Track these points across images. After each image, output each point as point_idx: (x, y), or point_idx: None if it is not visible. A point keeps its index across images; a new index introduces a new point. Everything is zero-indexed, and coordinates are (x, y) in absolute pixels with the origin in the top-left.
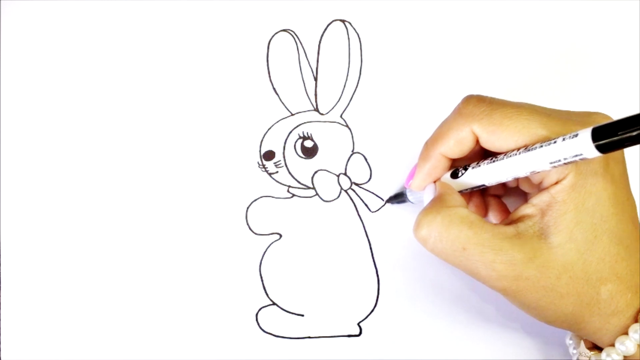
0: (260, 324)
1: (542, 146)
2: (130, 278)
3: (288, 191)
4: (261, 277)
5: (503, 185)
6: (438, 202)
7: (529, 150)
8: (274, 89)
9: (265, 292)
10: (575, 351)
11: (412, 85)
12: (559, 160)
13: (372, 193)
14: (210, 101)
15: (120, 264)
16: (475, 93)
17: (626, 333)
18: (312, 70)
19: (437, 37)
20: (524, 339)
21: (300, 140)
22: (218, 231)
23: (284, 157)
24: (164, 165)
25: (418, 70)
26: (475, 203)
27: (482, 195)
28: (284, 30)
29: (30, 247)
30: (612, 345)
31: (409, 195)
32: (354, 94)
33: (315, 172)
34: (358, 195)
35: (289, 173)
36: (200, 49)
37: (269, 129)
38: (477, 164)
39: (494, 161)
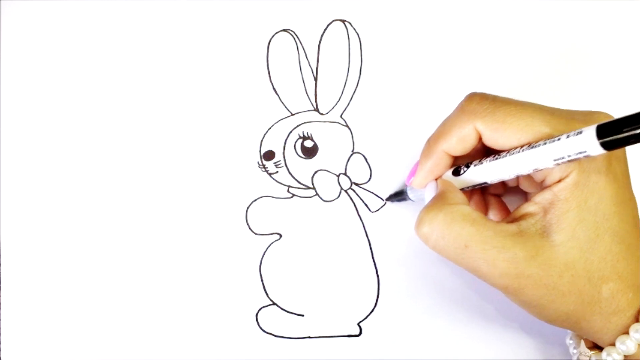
0: (260, 324)
1: (545, 143)
2: (130, 278)
3: (288, 191)
4: (261, 277)
5: (503, 184)
6: (440, 199)
7: (532, 147)
8: (274, 89)
9: (265, 292)
10: (575, 351)
11: (412, 85)
12: (563, 158)
13: (372, 193)
14: (210, 101)
15: (121, 264)
16: (462, 96)
17: (627, 332)
18: (312, 70)
19: (437, 37)
20: (524, 338)
21: (300, 140)
22: (218, 231)
23: (284, 157)
24: (164, 165)
25: (418, 70)
26: (475, 201)
27: (482, 194)
28: (284, 30)
29: (30, 247)
30: (613, 344)
31: (410, 193)
32: (354, 94)
33: (315, 172)
34: (358, 195)
35: (289, 173)
36: (200, 49)
37: (269, 129)
38: (480, 161)
39: (496, 158)
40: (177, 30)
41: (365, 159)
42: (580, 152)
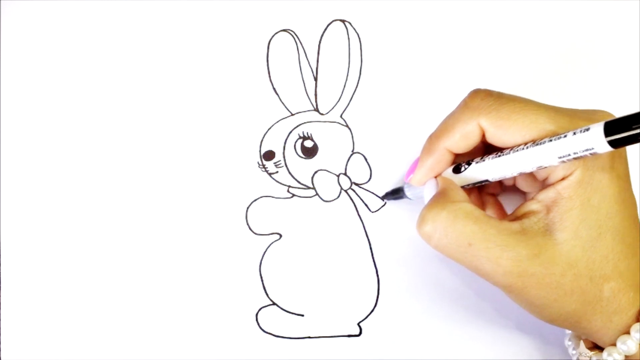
0: (260, 324)
1: (551, 140)
2: (130, 278)
3: (288, 191)
4: (261, 277)
5: (500, 183)
6: (442, 197)
7: (537, 144)
8: (274, 89)
9: (265, 292)
10: (574, 352)
11: (412, 85)
12: (569, 155)
13: (372, 193)
14: (210, 101)
15: (121, 264)
16: (462, 96)
17: (628, 332)
18: (312, 70)
19: (437, 37)
20: (524, 338)
21: (300, 140)
22: (218, 231)
23: (284, 157)
24: (164, 166)
25: (418, 70)
26: (472, 200)
27: (479, 193)
28: (284, 30)
29: (30, 247)
30: (614, 344)
31: (407, 191)
32: (354, 94)
33: (315, 172)
34: (358, 195)
35: (289, 173)
36: (201, 49)
37: (269, 129)
38: (481, 158)
39: (499, 156)
40: (177, 30)
41: (365, 159)
42: (587, 150)
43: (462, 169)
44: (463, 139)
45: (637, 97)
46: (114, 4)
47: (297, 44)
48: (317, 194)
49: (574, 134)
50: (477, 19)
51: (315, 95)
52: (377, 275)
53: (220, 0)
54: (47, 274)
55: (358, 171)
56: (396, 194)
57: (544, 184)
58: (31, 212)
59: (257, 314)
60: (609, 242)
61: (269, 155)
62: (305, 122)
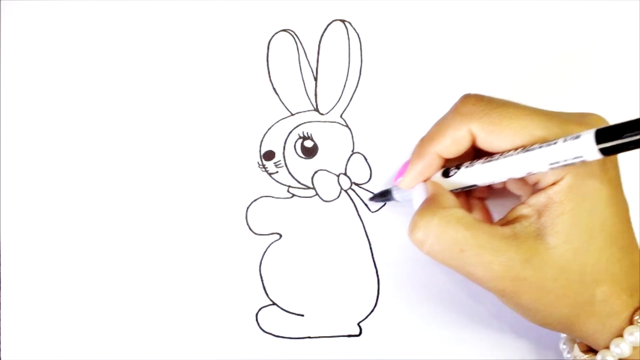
0: (260, 324)
1: (541, 147)
2: (130, 278)
3: (288, 191)
4: (261, 277)
5: (488, 188)
6: (433, 203)
7: (527, 150)
8: (274, 89)
9: (265, 292)
10: (569, 355)
11: (412, 85)
12: (559, 162)
13: (372, 193)
14: (210, 101)
15: (121, 264)
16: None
17: (621, 335)
18: (312, 70)
19: (437, 37)
20: (522, 341)
21: (300, 140)
22: (218, 231)
23: (284, 157)
24: (164, 166)
25: (418, 70)
26: (460, 204)
27: (466, 197)
28: (284, 30)
29: (30, 247)
30: (607, 347)
31: (396, 194)
32: (354, 94)
33: (315, 172)
34: (358, 195)
35: (289, 173)
36: (201, 49)
37: (269, 129)
38: (471, 163)
39: (489, 161)
40: (177, 30)
41: (365, 159)
42: (577, 157)
43: (451, 173)
44: (454, 144)
45: (637, 98)
46: (114, 4)
47: (297, 44)
48: (317, 194)
49: (564, 141)
50: (477, 19)
51: (315, 95)
52: (377, 275)
53: (220, 0)
54: (47, 274)
55: (358, 171)
56: (384, 196)
57: (534, 188)
58: (31, 212)
59: (257, 314)
60: (601, 246)
61: (269, 155)
62: (305, 122)
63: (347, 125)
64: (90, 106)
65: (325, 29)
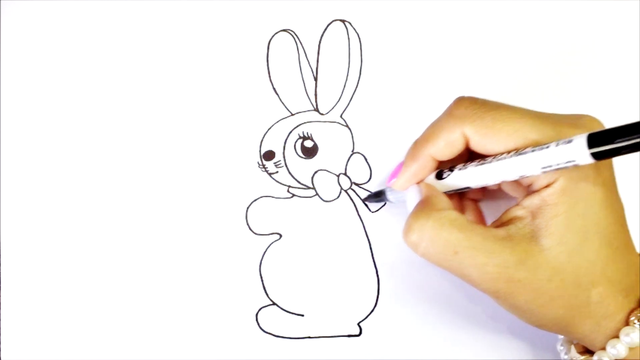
0: (260, 324)
1: (533, 150)
2: (130, 278)
3: (288, 191)
4: (261, 277)
5: (482, 190)
6: (427, 205)
7: (519, 154)
8: (274, 89)
9: (265, 292)
10: (566, 357)
11: (412, 85)
12: (551, 166)
13: (370, 192)
14: (210, 101)
15: (121, 264)
16: (467, 94)
17: (617, 336)
18: (312, 70)
19: (437, 37)
20: (520, 341)
21: (300, 140)
22: (218, 231)
23: (284, 157)
24: (164, 166)
25: (418, 70)
26: (452, 206)
27: (459, 199)
28: (284, 30)
29: (30, 247)
30: (604, 348)
31: (389, 195)
32: (354, 94)
33: (315, 172)
34: (358, 196)
35: (289, 173)
36: (201, 49)
37: (269, 129)
38: (464, 165)
39: (482, 163)
40: (177, 30)
41: (365, 159)
42: (569, 161)
43: (445, 175)
44: (447, 146)
45: (637, 98)
46: (114, 4)
47: (297, 44)
48: (317, 194)
49: (557, 145)
50: (477, 19)
51: (315, 95)
52: (377, 275)
53: (220, 0)
54: (47, 274)
55: (358, 171)
56: (378, 196)
57: (528, 190)
58: (31, 212)
59: (257, 314)
60: (596, 248)
61: (269, 155)
62: (305, 122)
63: (347, 125)
64: (90, 106)
65: (325, 29)
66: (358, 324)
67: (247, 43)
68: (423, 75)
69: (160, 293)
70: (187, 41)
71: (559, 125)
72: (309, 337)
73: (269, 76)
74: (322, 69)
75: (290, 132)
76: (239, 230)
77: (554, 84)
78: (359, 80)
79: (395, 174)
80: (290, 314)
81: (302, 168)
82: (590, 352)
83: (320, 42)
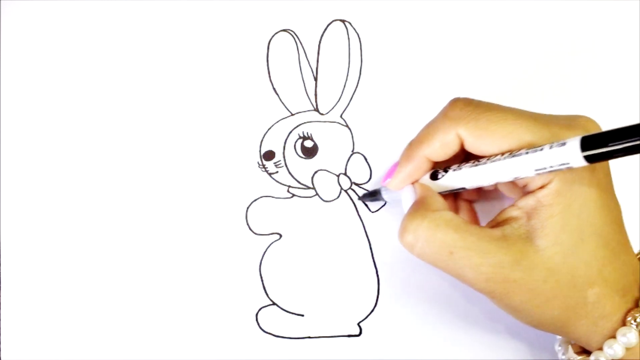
0: (260, 324)
1: (527, 152)
2: (130, 278)
3: (288, 191)
4: (261, 277)
5: (477, 191)
6: (422, 206)
7: (513, 156)
8: (274, 89)
9: (265, 292)
10: (564, 357)
11: (413, 85)
12: (545, 168)
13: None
14: (210, 101)
15: (120, 264)
16: (463, 95)
17: (614, 336)
18: (312, 70)
19: (437, 37)
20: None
21: (300, 140)
22: (218, 231)
23: (284, 157)
24: (164, 166)
25: (418, 70)
26: (447, 206)
27: (454, 199)
28: (284, 30)
29: (30, 247)
30: (601, 349)
31: (384, 194)
32: (354, 94)
33: (315, 172)
34: (358, 196)
35: (289, 173)
36: (201, 49)
37: (269, 129)
38: (458, 166)
39: (476, 165)
40: (177, 30)
41: (365, 159)
42: (562, 164)
43: (439, 176)
44: (442, 148)
45: (637, 98)
46: (114, 4)
47: (297, 44)
48: (317, 194)
49: (550, 147)
50: (477, 19)
51: (315, 95)
52: (377, 275)
53: (220, 0)
54: (47, 274)
55: (358, 171)
56: (373, 195)
57: (524, 191)
58: (31, 212)
59: (257, 314)
60: (592, 248)
61: (269, 155)
62: (305, 122)
63: (347, 125)
64: (90, 106)
65: (325, 29)
66: (358, 324)
67: (247, 43)
68: (423, 75)
69: (161, 293)
70: (187, 41)
71: (554, 126)
72: (309, 337)
73: (269, 76)
74: (322, 69)
75: (290, 132)
76: (239, 230)
77: (554, 84)
78: (359, 80)
79: (390, 173)
80: (290, 314)
81: (302, 168)
82: (588, 353)
83: (320, 42)
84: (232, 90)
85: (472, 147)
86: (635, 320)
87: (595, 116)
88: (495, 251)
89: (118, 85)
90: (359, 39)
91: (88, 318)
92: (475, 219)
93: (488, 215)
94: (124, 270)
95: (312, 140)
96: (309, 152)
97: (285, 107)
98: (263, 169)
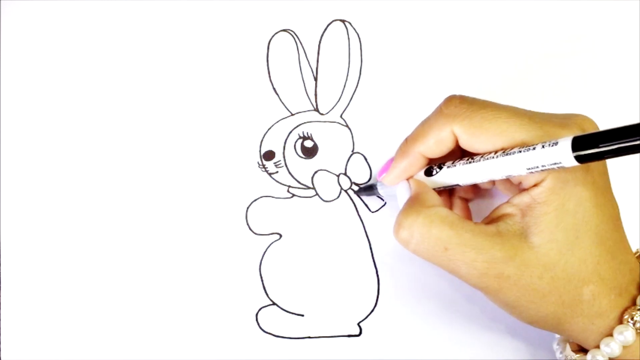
0: (260, 324)
1: (520, 151)
2: (130, 278)
3: (288, 191)
4: (261, 277)
5: (473, 189)
6: (417, 202)
7: (506, 154)
8: (274, 89)
9: (265, 292)
10: (561, 355)
11: (412, 85)
12: (537, 167)
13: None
14: (210, 101)
15: (121, 264)
16: (458, 93)
17: (611, 334)
18: (312, 70)
19: (437, 37)
20: (518, 340)
21: (300, 140)
22: (218, 231)
23: (284, 157)
24: (164, 166)
25: (418, 70)
26: (443, 203)
27: (449, 196)
28: (284, 30)
29: (30, 247)
30: (598, 347)
31: (380, 189)
32: (354, 94)
33: (315, 172)
34: (358, 195)
35: (289, 173)
36: (201, 49)
37: (269, 129)
38: (453, 163)
39: (470, 162)
40: (177, 30)
41: (365, 159)
42: (554, 163)
43: (434, 172)
44: (437, 144)
45: (637, 98)
46: (114, 4)
47: (297, 44)
48: (317, 194)
49: (543, 147)
50: (477, 19)
51: (315, 95)
52: (377, 275)
53: (220, 0)
54: (47, 274)
55: (358, 171)
56: (369, 190)
57: (519, 188)
58: (31, 212)
59: (257, 314)
60: (587, 246)
61: (269, 155)
62: (305, 122)
63: (347, 125)
64: (90, 106)
65: (325, 29)
66: (358, 324)
67: (247, 43)
68: (423, 75)
69: (161, 293)
70: (187, 41)
71: (548, 125)
72: (309, 337)
73: (269, 76)
74: (322, 69)
75: (290, 132)
76: (239, 230)
77: (554, 84)
78: (359, 80)
79: (385, 169)
80: (290, 314)
81: (302, 168)
82: (585, 351)
83: (320, 42)
84: (232, 90)
85: (467, 145)
86: (632, 319)
87: (595, 116)
88: (490, 247)
89: (118, 85)
90: (359, 39)
91: (88, 318)
92: (468, 216)
93: (484, 213)
94: (124, 270)
95: (312, 140)
96: (309, 152)
97: (285, 107)
98: (263, 169)
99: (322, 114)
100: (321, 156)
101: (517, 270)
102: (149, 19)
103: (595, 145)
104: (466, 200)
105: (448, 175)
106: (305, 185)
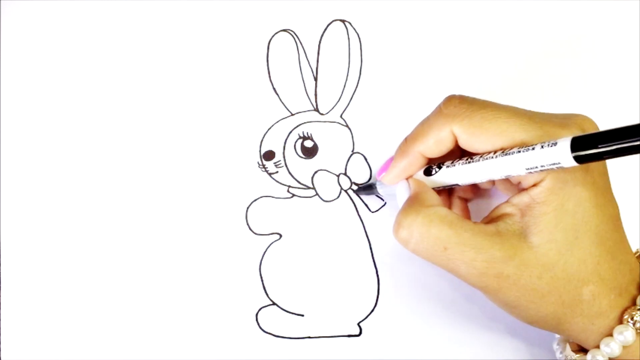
0: (260, 324)
1: (519, 151)
2: (130, 278)
3: (288, 191)
4: (261, 277)
5: (472, 189)
6: (416, 201)
7: (505, 154)
8: (274, 89)
9: (265, 292)
10: (561, 355)
11: (412, 85)
12: (536, 167)
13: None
14: (210, 101)
15: (120, 264)
16: (457, 93)
17: (611, 334)
18: (312, 70)
19: (437, 37)
20: (518, 340)
21: (300, 140)
22: (218, 231)
23: (284, 157)
24: (164, 166)
25: (418, 70)
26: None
27: (448, 195)
28: (284, 30)
29: (30, 247)
30: (598, 347)
31: (379, 188)
32: (354, 94)
33: (315, 172)
34: (358, 195)
35: (289, 173)
36: (201, 49)
37: (269, 129)
38: (452, 163)
39: (469, 162)
40: (177, 30)
41: (365, 159)
42: (553, 164)
43: (433, 172)
44: (436, 144)
45: (637, 98)
46: (114, 4)
47: (297, 44)
48: (317, 194)
49: (542, 147)
50: (477, 19)
51: (315, 95)
52: (377, 275)
53: (220, 0)
54: (47, 274)
55: (358, 171)
56: (369, 189)
57: (518, 188)
58: (31, 212)
59: (257, 314)
60: (587, 246)
61: (269, 155)
62: (305, 122)
63: (347, 125)
64: (90, 106)
65: (325, 29)
66: (358, 324)
67: (247, 43)
68: (423, 75)
69: (161, 293)
70: (187, 41)
71: (548, 125)
72: (309, 337)
73: (269, 76)
74: (322, 69)
75: (290, 132)
76: (239, 230)
77: (554, 84)
78: (359, 80)
79: (385, 168)
80: (290, 314)
81: (302, 168)
82: (585, 351)
83: (320, 42)
84: (232, 90)
85: (466, 145)
86: (632, 319)
87: (595, 116)
88: (489, 246)
89: (118, 85)
90: (359, 39)
91: (88, 318)
92: (467, 216)
93: (482, 213)
94: (124, 270)
95: (312, 140)
96: (309, 152)
97: (285, 107)
98: (263, 169)
99: (322, 114)
100: (321, 156)
101: (517, 270)
102: (149, 19)
103: (594, 146)
104: (465, 200)
105: (447, 175)
106: (305, 185)
